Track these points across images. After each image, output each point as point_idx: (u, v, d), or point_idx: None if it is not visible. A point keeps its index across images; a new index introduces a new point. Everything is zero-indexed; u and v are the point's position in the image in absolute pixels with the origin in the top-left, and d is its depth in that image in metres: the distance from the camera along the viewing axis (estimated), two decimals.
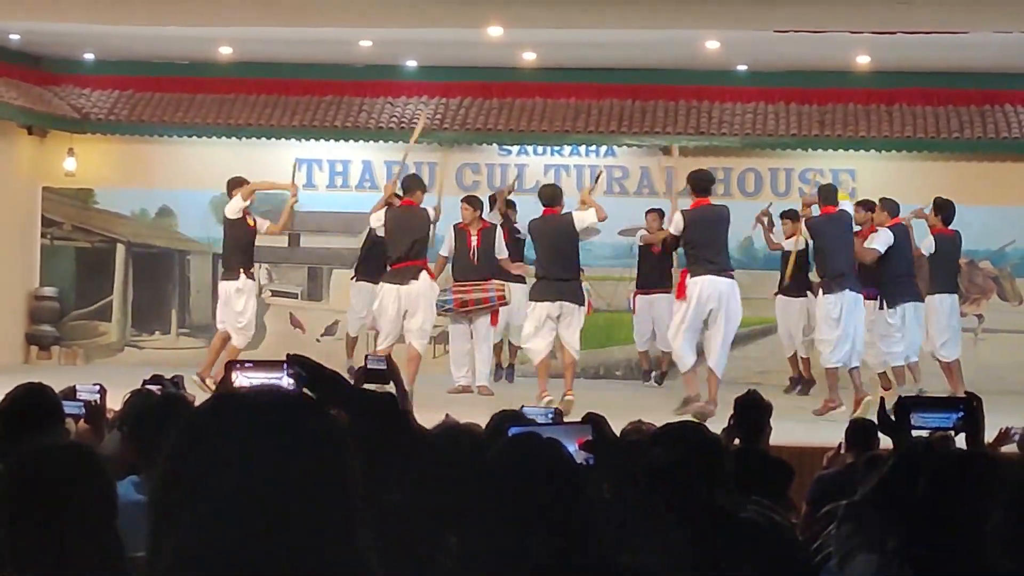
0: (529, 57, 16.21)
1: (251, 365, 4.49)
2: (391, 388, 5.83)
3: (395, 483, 3.58)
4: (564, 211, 13.29)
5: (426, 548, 3.54)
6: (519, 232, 14.98)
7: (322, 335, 17.10)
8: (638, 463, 4.30)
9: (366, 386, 7.43)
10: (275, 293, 17.20)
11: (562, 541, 3.27)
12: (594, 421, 5.04)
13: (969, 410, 4.76)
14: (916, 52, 15.00)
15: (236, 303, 13.85)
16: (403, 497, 3.61)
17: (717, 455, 4.63)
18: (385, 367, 7.56)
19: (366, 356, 7.94)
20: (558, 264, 13.08)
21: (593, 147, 16.88)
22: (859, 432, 7.75)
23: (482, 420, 5.86)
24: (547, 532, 3.28)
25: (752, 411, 7.19)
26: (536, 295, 13.20)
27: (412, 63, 16.81)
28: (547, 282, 13.07)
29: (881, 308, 13.68)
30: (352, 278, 15.54)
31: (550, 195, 13.48)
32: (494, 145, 17.01)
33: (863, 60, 15.72)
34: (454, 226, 14.63)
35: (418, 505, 3.63)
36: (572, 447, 3.95)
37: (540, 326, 13.06)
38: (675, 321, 12.68)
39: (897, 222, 13.78)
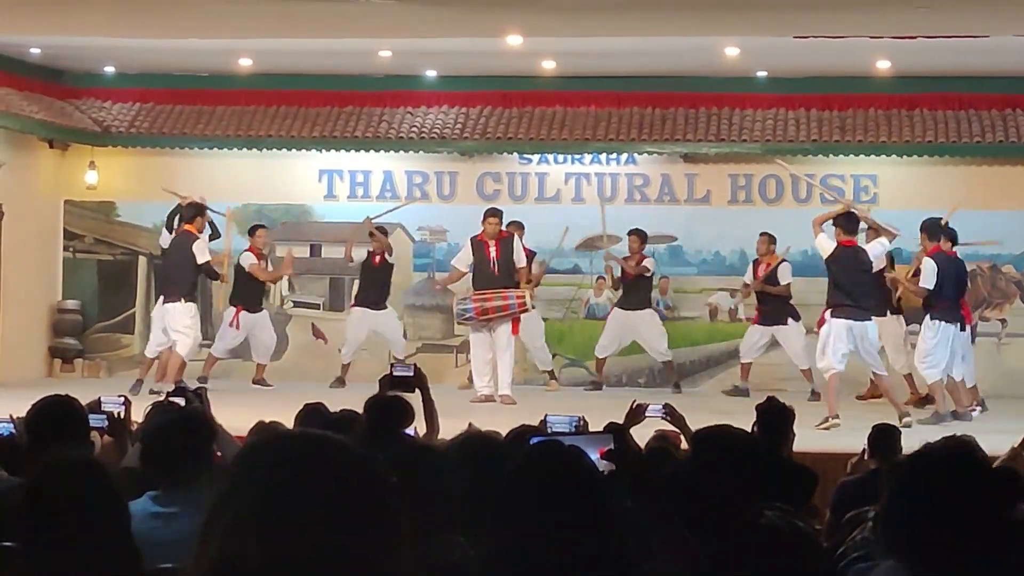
0: (549, 66, 16.19)
1: None
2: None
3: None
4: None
5: (435, 551, 3.53)
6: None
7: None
8: (659, 472, 4.28)
9: (391, 392, 7.44)
10: (297, 304, 17.19)
11: (584, 548, 3.26)
12: (615, 431, 5.03)
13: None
14: (937, 56, 14.94)
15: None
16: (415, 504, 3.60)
17: (752, 458, 4.61)
18: (412, 375, 7.54)
19: (392, 364, 7.95)
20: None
21: (614, 155, 16.84)
22: (882, 438, 7.72)
23: (505, 429, 5.84)
24: (569, 539, 3.27)
25: (775, 418, 7.15)
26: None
27: (432, 73, 16.81)
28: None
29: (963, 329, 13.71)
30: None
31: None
32: (514, 154, 16.98)
33: (884, 65, 15.66)
34: (471, 238, 14.65)
35: (431, 511, 3.61)
36: (594, 456, 3.95)
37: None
38: None
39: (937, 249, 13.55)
